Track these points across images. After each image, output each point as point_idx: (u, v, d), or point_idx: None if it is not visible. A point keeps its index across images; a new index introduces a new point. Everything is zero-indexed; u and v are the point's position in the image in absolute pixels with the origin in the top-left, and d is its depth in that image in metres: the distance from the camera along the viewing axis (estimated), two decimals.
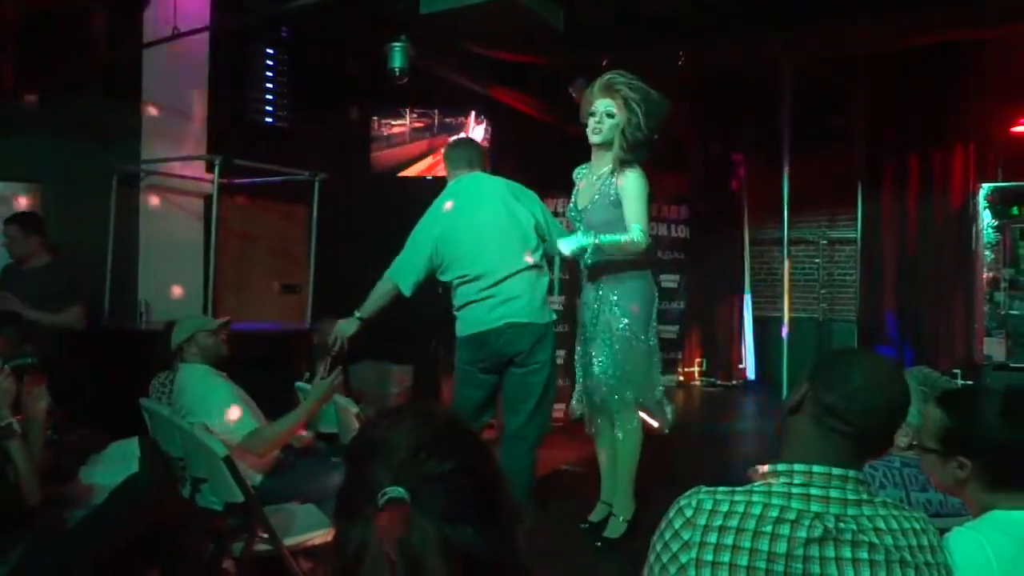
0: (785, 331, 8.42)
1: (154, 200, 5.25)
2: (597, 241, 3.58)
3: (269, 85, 6.30)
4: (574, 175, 4.04)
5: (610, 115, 3.67)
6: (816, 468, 1.40)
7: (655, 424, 3.83)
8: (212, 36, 5.34)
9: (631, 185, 3.65)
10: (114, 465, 3.26)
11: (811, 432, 1.46)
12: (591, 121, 3.72)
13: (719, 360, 9.70)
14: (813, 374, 1.50)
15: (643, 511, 3.75)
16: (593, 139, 3.74)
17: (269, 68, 6.30)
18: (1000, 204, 7.05)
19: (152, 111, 5.20)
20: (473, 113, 6.93)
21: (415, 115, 6.90)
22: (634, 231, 3.56)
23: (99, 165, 5.05)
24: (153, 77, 5.19)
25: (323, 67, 6.40)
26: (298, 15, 5.43)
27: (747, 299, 9.75)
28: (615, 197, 3.69)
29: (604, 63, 4.70)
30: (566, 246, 3.59)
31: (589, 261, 3.80)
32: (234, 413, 3.21)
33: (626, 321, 3.72)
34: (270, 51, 6.29)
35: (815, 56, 6.84)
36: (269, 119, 6.31)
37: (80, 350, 4.46)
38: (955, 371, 6.81)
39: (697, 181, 9.66)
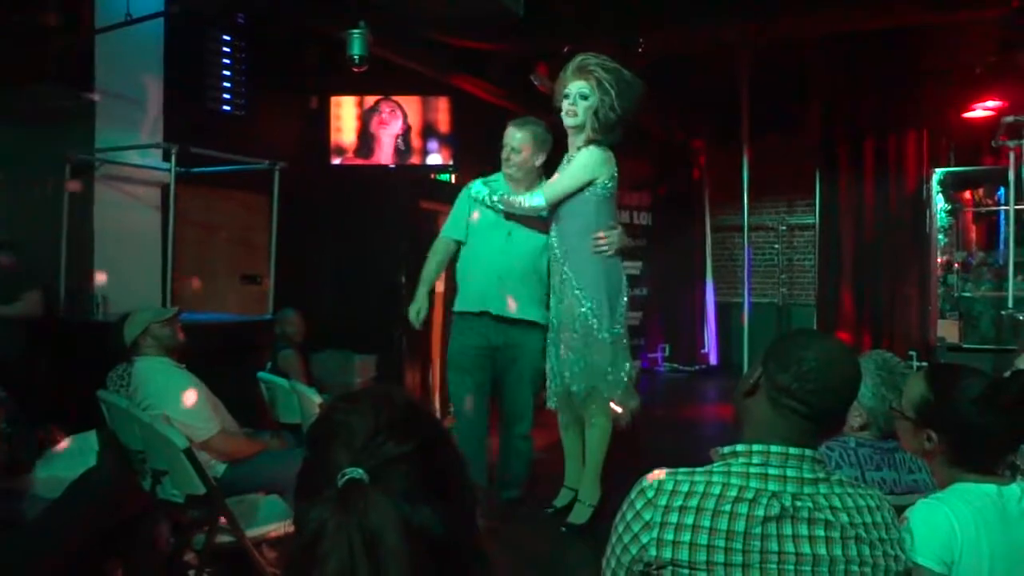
0: (745, 316, 8.55)
1: (109, 189, 5.14)
2: (495, 197, 3.85)
3: (226, 72, 6.19)
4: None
5: (584, 96, 3.66)
6: (773, 448, 1.43)
7: (619, 411, 3.85)
8: (167, 22, 5.23)
9: (577, 160, 3.72)
10: (72, 458, 3.21)
11: (767, 413, 1.49)
12: (565, 103, 3.71)
13: (682, 346, 9.81)
14: (767, 356, 1.53)
15: (606, 496, 3.78)
16: (568, 121, 3.73)
17: (226, 55, 6.19)
18: (952, 189, 7.22)
19: (106, 98, 5.08)
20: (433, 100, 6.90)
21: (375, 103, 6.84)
22: (533, 196, 3.76)
23: (51, 154, 4.94)
24: (107, 64, 5.07)
25: (281, 54, 6.31)
26: (255, 1, 5.36)
27: (709, 285, 9.87)
28: None
29: (565, 50, 4.70)
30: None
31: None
32: (196, 409, 3.17)
33: (588, 309, 3.71)
34: (226, 37, 6.18)
35: (771, 41, 6.90)
36: (227, 107, 6.20)
37: (36, 342, 4.37)
38: (910, 352, 6.98)
39: (658, 168, 9.73)
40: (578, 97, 3.67)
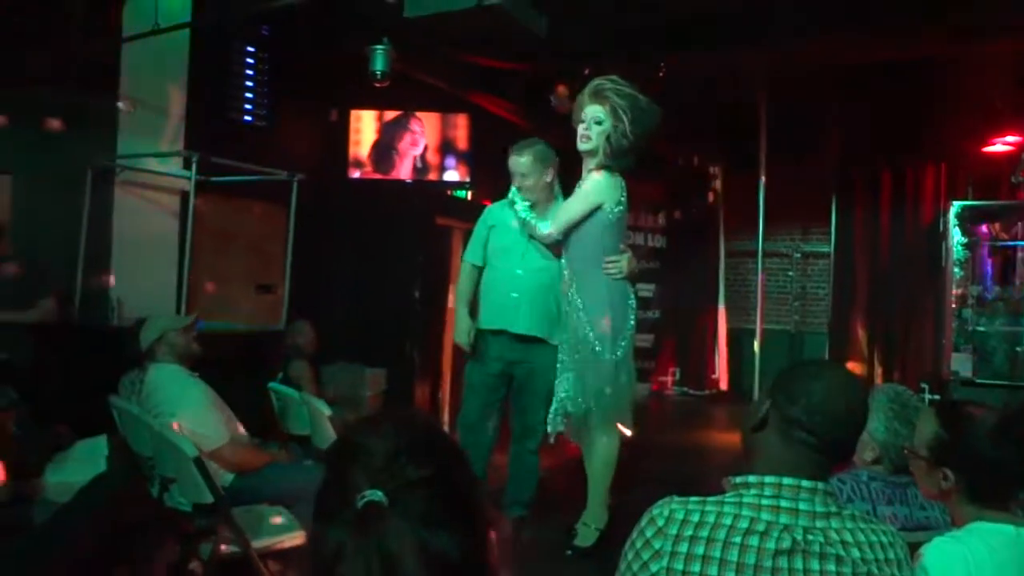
0: (758, 343, 8.51)
1: (129, 196, 5.19)
2: (522, 215, 3.86)
3: (249, 83, 6.26)
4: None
5: (599, 122, 3.65)
6: (786, 480, 1.42)
7: (628, 433, 3.83)
8: (193, 32, 5.29)
9: (585, 186, 3.73)
10: (81, 463, 3.23)
11: (778, 446, 1.48)
12: (579, 128, 3.71)
13: (692, 370, 9.76)
14: (774, 389, 1.52)
15: (613, 520, 3.75)
16: (581, 146, 3.72)
17: (249, 66, 6.26)
18: (970, 222, 7.18)
19: (130, 106, 5.14)
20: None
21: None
22: (543, 225, 3.79)
23: (73, 159, 4.99)
24: (132, 72, 5.13)
25: (304, 67, 6.37)
26: (280, 14, 5.41)
27: (721, 310, 9.84)
28: None
29: (586, 72, 4.72)
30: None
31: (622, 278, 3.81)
32: (207, 417, 3.18)
33: (592, 333, 3.69)
34: (251, 49, 6.25)
35: (790, 70, 6.92)
36: (248, 117, 6.26)
37: (50, 346, 4.39)
38: (923, 385, 6.91)
39: (674, 192, 9.73)
40: (592, 122, 3.67)
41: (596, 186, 3.69)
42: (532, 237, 3.90)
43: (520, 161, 3.88)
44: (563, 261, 3.84)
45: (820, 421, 1.44)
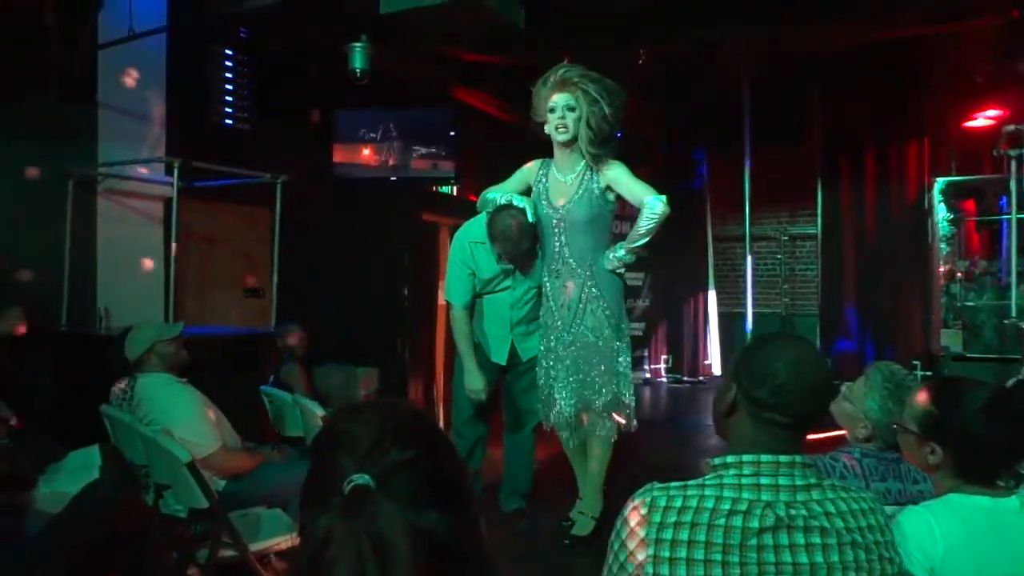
0: (748, 327, 8.53)
1: (112, 204, 5.16)
2: (632, 246, 3.68)
3: (228, 86, 6.22)
4: (530, 170, 3.93)
5: (571, 109, 3.60)
6: (764, 457, 1.43)
7: (623, 420, 3.83)
8: (169, 37, 5.26)
9: (620, 171, 3.68)
10: (74, 474, 3.20)
11: (750, 428, 1.48)
12: (552, 118, 3.64)
13: (684, 356, 9.80)
14: (737, 373, 1.51)
15: (610, 508, 3.77)
16: (560, 137, 3.66)
17: (228, 69, 6.22)
18: (954, 198, 7.21)
19: (109, 113, 5.10)
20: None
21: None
22: (655, 203, 3.57)
23: (54, 168, 4.95)
24: (110, 79, 5.10)
25: (283, 68, 6.34)
26: (257, 15, 5.38)
27: (711, 295, 9.87)
28: (599, 192, 3.69)
29: (566, 61, 4.71)
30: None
31: (622, 270, 3.82)
32: (198, 425, 3.17)
33: (613, 324, 3.71)
34: (229, 52, 6.21)
35: (772, 52, 6.93)
36: (229, 121, 6.23)
37: (38, 356, 4.36)
38: (914, 362, 6.95)
39: (660, 179, 9.73)
40: (566, 110, 3.60)
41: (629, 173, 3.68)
42: (513, 263, 3.88)
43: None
44: (567, 256, 3.75)
45: (789, 400, 1.44)
